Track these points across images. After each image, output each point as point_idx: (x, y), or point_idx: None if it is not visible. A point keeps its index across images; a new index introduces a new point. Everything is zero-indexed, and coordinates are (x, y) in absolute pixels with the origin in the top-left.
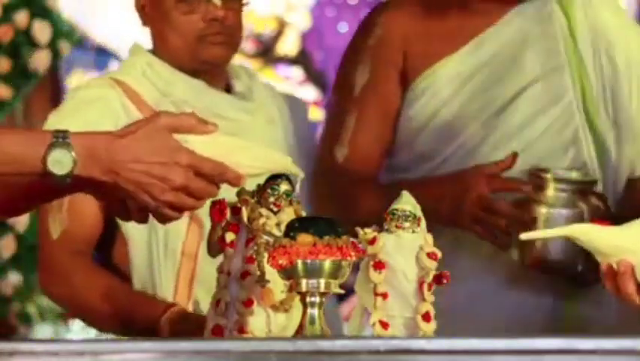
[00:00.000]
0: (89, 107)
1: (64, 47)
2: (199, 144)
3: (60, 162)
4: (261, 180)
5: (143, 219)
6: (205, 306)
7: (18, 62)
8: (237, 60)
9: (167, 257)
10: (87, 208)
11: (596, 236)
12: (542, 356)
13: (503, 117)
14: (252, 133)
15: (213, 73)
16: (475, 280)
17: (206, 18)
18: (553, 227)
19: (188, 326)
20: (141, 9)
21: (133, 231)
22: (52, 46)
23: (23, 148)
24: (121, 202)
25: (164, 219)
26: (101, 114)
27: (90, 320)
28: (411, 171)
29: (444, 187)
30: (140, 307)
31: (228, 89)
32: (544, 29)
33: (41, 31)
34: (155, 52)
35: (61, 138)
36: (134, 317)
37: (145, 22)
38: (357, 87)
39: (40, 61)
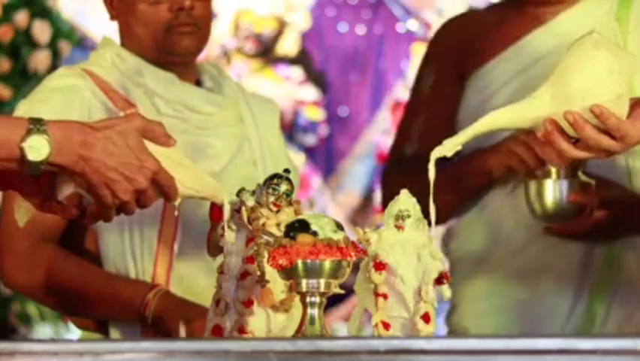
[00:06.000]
0: (60, 95)
1: (64, 47)
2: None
3: (37, 149)
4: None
5: (71, 215)
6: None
7: (18, 62)
8: (237, 60)
9: (144, 244)
10: None
11: (511, 116)
12: (542, 356)
13: None
14: (222, 128)
15: (183, 67)
16: None
17: (172, 8)
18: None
19: (174, 307)
20: (109, 3)
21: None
22: (52, 46)
23: (1, 133)
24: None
25: (96, 219)
26: (71, 102)
27: (64, 307)
28: None
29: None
30: (122, 288)
31: (198, 85)
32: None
33: (41, 31)
34: (123, 45)
35: (37, 124)
36: (115, 297)
37: (113, 17)
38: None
39: (40, 61)
